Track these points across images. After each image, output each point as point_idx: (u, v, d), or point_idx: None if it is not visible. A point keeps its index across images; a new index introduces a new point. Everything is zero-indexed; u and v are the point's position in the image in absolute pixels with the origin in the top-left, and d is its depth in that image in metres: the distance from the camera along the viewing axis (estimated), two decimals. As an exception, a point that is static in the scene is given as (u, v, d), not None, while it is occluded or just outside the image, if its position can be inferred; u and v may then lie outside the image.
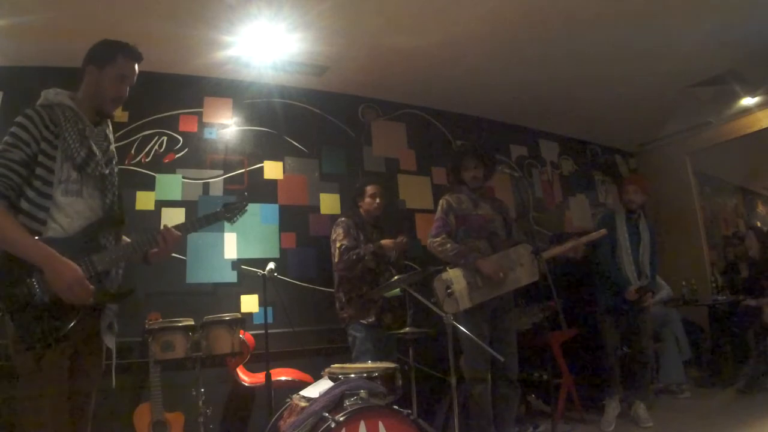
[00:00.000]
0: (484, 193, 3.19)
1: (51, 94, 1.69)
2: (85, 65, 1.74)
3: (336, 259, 3.29)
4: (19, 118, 1.60)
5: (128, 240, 1.78)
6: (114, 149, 1.82)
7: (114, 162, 1.80)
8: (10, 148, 1.55)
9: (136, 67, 1.79)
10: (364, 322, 3.20)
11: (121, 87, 1.76)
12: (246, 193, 1.86)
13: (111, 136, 1.82)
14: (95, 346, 1.68)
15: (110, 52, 1.73)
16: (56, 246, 1.51)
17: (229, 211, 1.92)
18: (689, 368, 4.68)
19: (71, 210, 1.61)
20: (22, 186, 1.55)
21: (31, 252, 1.49)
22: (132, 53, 1.77)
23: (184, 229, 1.82)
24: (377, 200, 3.42)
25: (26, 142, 1.57)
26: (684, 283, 5.17)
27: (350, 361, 3.11)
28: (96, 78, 1.72)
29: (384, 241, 3.30)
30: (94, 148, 1.69)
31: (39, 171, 1.57)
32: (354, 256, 3.20)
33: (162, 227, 1.76)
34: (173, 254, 3.36)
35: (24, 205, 1.55)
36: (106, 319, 1.68)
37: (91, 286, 1.53)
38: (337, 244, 3.28)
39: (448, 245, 2.96)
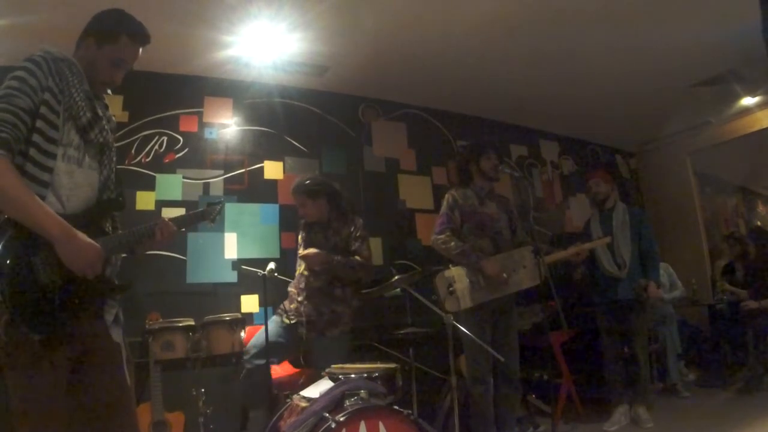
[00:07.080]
0: (492, 191, 3.13)
1: (54, 49, 1.47)
2: (85, 35, 1.55)
3: None
4: (25, 62, 1.40)
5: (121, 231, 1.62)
6: (114, 121, 1.67)
7: (113, 136, 1.64)
8: (17, 93, 1.34)
9: (140, 51, 1.61)
10: None
11: (116, 72, 1.57)
12: (222, 199, 1.85)
13: (109, 111, 1.64)
14: (107, 347, 1.50)
15: (114, 31, 1.54)
16: None
17: (212, 212, 1.83)
18: (689, 368, 4.67)
19: (69, 181, 1.43)
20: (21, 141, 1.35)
21: (45, 221, 1.30)
22: (138, 36, 1.58)
23: (179, 223, 1.69)
24: (300, 210, 3.09)
25: (34, 89, 1.36)
26: (684, 283, 5.16)
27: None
28: (92, 54, 1.53)
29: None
30: (99, 111, 1.53)
31: (39, 124, 1.36)
32: None
33: (161, 220, 1.63)
34: (173, 254, 3.39)
35: (26, 165, 1.34)
36: (111, 311, 1.52)
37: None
38: None
39: (452, 243, 2.91)
